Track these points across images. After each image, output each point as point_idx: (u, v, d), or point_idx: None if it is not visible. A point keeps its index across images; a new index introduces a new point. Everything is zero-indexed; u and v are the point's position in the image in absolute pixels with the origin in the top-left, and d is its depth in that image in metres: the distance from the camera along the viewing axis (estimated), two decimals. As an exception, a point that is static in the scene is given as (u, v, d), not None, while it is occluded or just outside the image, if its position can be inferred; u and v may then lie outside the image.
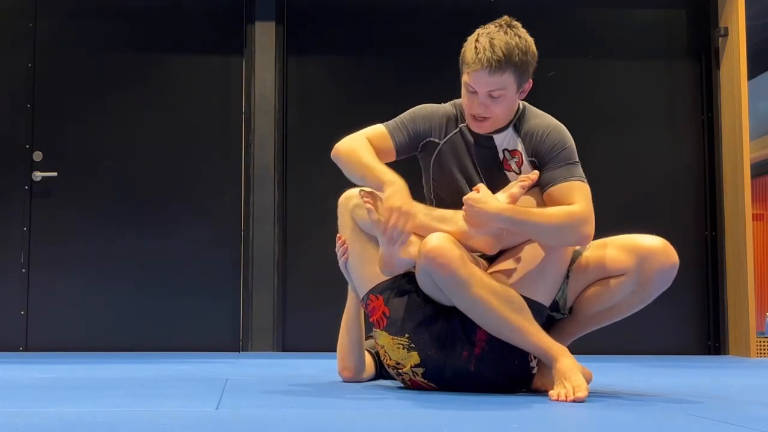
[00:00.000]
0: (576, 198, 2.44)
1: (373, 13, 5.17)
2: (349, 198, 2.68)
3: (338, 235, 2.70)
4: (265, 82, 4.99)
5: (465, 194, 2.46)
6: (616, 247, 2.48)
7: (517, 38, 2.47)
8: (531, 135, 2.54)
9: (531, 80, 2.53)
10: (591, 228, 2.41)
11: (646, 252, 2.43)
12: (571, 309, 2.57)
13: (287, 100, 5.07)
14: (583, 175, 2.50)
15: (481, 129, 2.54)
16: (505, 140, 2.57)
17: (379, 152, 2.55)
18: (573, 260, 2.54)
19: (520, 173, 2.55)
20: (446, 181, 2.60)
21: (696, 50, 5.24)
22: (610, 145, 5.15)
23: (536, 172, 2.46)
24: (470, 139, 2.59)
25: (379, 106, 5.02)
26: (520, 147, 2.55)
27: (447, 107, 2.65)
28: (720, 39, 5.11)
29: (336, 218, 2.76)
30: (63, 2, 5.05)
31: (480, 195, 2.40)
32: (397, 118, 2.65)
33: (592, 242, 2.52)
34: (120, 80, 5.02)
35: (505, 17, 2.53)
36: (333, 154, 2.63)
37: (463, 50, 2.52)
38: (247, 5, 5.06)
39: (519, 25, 2.53)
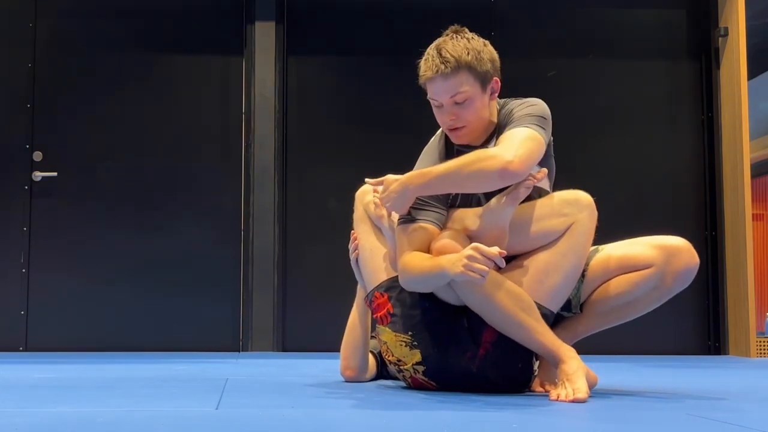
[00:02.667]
0: (504, 143, 2.37)
1: (373, 13, 5.17)
2: (365, 192, 2.70)
3: (352, 231, 2.71)
4: (265, 82, 4.99)
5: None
6: (641, 244, 2.51)
7: (465, 41, 2.46)
8: (509, 119, 2.51)
9: (498, 79, 2.49)
10: (502, 161, 2.30)
11: (674, 249, 2.46)
12: (581, 307, 2.57)
13: (287, 100, 5.07)
14: (535, 125, 2.40)
15: (460, 139, 2.50)
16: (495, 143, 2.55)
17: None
18: (590, 258, 2.54)
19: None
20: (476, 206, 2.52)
21: (696, 50, 5.24)
22: (610, 145, 5.15)
23: (543, 170, 2.44)
24: None
25: (379, 106, 5.06)
26: None
27: (434, 146, 2.58)
28: (720, 39, 5.11)
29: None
30: (63, 2, 5.05)
31: (383, 185, 2.45)
32: (418, 202, 2.47)
33: (610, 243, 2.55)
34: (120, 80, 5.02)
35: (452, 27, 2.51)
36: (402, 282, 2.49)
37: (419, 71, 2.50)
38: (247, 5, 5.06)
39: (466, 30, 2.50)
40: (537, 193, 2.50)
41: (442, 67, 2.41)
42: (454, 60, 2.41)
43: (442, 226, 2.47)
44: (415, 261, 2.40)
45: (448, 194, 2.51)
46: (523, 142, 2.35)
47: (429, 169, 2.42)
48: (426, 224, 2.45)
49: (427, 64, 2.44)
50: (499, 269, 2.49)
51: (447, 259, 2.30)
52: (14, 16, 5.00)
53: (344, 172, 4.79)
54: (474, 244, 2.25)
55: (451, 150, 2.56)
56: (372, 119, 5.08)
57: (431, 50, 2.46)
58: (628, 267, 2.50)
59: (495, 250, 2.23)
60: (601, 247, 2.57)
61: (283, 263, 4.96)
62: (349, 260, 2.73)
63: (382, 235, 2.65)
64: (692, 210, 5.16)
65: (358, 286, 2.76)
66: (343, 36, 5.15)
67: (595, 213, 2.48)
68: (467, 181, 2.37)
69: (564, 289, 2.47)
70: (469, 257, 2.22)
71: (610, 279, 2.53)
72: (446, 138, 2.58)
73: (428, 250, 2.42)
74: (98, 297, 4.85)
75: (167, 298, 4.90)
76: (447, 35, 2.49)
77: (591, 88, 5.22)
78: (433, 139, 2.64)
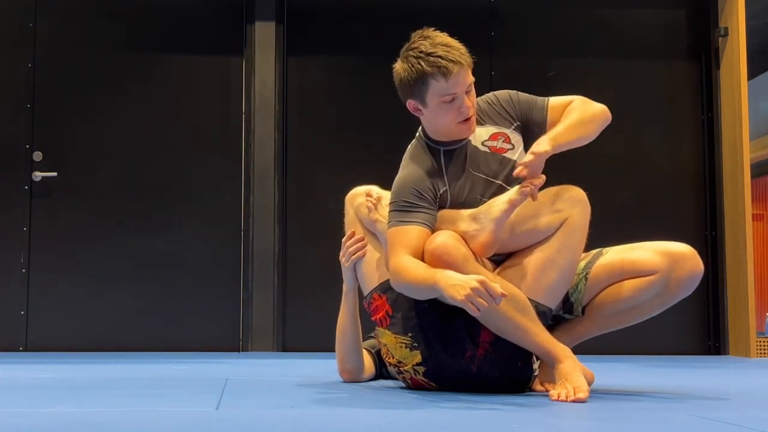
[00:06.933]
0: (569, 99, 2.60)
1: (373, 13, 5.17)
2: (356, 195, 2.71)
3: (352, 230, 2.69)
4: (265, 82, 4.99)
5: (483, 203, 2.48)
6: (646, 250, 2.50)
7: (446, 36, 2.48)
8: (489, 111, 2.58)
9: None
10: (599, 104, 2.62)
11: (678, 256, 2.46)
12: (583, 310, 2.57)
13: (287, 100, 5.06)
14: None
15: (471, 129, 2.52)
16: (475, 136, 2.56)
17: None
18: (594, 261, 2.54)
19: (513, 147, 2.56)
20: (468, 204, 2.52)
21: (696, 50, 5.24)
22: (610, 145, 5.13)
23: (542, 177, 2.40)
24: (453, 157, 2.56)
25: (379, 106, 5.05)
26: (493, 129, 2.57)
27: (420, 151, 2.58)
28: (720, 39, 5.11)
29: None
30: (63, 2, 5.05)
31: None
32: (408, 204, 2.48)
33: (614, 247, 2.56)
34: (120, 80, 5.02)
35: (417, 32, 2.50)
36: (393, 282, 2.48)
37: (408, 79, 2.47)
38: (247, 5, 5.06)
39: (430, 29, 2.51)
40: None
41: (465, 57, 2.43)
42: (465, 50, 2.45)
43: (433, 228, 2.47)
44: (410, 267, 2.37)
45: (436, 195, 2.51)
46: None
47: (550, 131, 2.46)
48: (418, 226, 2.44)
49: (445, 60, 2.40)
50: (495, 268, 2.49)
51: (444, 276, 2.26)
52: (14, 16, 4.99)
53: (344, 172, 4.78)
54: (481, 278, 2.20)
55: (437, 153, 2.57)
56: (372, 119, 5.08)
57: (435, 49, 2.42)
58: (632, 272, 2.50)
59: (499, 289, 2.19)
60: (605, 249, 2.57)
61: (283, 263, 4.96)
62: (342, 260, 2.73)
63: (375, 238, 2.65)
64: (692, 210, 5.16)
65: (344, 291, 2.74)
66: (343, 36, 5.15)
67: (588, 207, 2.48)
68: (588, 127, 2.53)
69: (561, 286, 2.47)
70: (475, 290, 2.17)
71: (613, 283, 2.53)
72: (426, 143, 2.59)
73: (421, 252, 2.41)
74: (98, 297, 4.85)
75: (167, 297, 4.90)
76: (424, 37, 2.47)
77: (591, 88, 5.17)
78: (411, 147, 2.62)
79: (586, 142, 2.54)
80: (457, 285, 2.21)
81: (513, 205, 2.39)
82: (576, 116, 2.51)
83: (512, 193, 2.41)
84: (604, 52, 5.22)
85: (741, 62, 4.94)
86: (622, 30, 5.28)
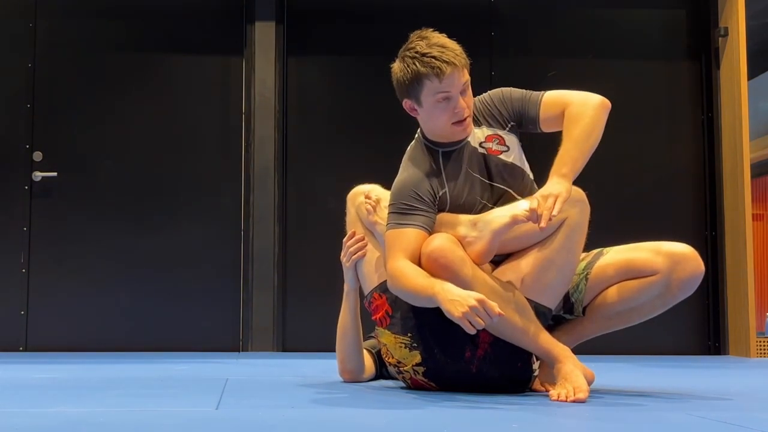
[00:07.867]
0: (563, 99, 2.53)
1: (373, 13, 5.17)
2: (357, 194, 2.71)
3: (353, 230, 2.69)
4: (265, 82, 4.98)
5: (482, 205, 2.49)
6: (647, 250, 2.50)
7: (443, 37, 2.49)
8: (484, 111, 2.57)
9: None
10: (595, 97, 2.54)
11: (679, 256, 2.46)
12: (584, 310, 2.57)
13: (287, 100, 5.06)
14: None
15: (466, 130, 2.52)
16: (473, 137, 2.56)
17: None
18: (594, 261, 2.54)
19: (508, 148, 2.56)
20: (468, 206, 2.53)
21: (696, 50, 5.24)
22: (610, 145, 5.09)
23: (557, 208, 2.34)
24: (452, 158, 2.57)
25: (378, 106, 5.05)
26: (488, 131, 2.56)
27: (419, 153, 2.59)
28: (720, 39, 5.11)
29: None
30: (63, 2, 5.05)
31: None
32: (407, 207, 2.47)
33: (615, 247, 2.55)
34: (120, 80, 5.02)
35: (416, 32, 2.51)
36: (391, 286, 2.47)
37: (404, 79, 2.48)
38: (247, 5, 5.06)
39: (429, 29, 2.52)
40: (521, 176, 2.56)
41: (460, 58, 2.44)
42: (460, 51, 2.45)
43: (432, 230, 2.46)
44: (408, 274, 2.37)
45: (436, 198, 2.51)
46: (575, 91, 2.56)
47: (561, 154, 2.42)
48: (416, 229, 2.44)
49: (440, 60, 2.41)
50: (493, 268, 2.49)
51: (443, 289, 2.26)
52: (14, 16, 4.99)
53: (344, 172, 4.77)
54: (480, 297, 2.20)
55: (435, 154, 2.57)
56: (372, 119, 5.08)
57: (430, 49, 2.43)
58: (633, 273, 2.50)
59: (497, 308, 2.20)
60: (606, 249, 2.57)
61: (283, 263, 4.96)
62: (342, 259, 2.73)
63: (375, 238, 2.65)
64: (692, 210, 5.16)
65: (345, 292, 2.75)
66: (343, 36, 5.15)
67: (588, 207, 2.48)
68: (595, 133, 2.48)
69: (560, 286, 2.47)
70: (473, 308, 2.18)
71: (614, 284, 2.53)
72: (425, 144, 2.59)
73: (419, 255, 2.41)
74: (98, 297, 4.85)
75: (167, 297, 4.89)
76: (421, 38, 2.47)
77: (591, 88, 5.16)
78: (411, 149, 2.63)
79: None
80: (455, 301, 2.21)
81: (515, 221, 2.37)
82: (579, 129, 2.46)
83: (518, 209, 2.39)
84: (604, 52, 5.22)
85: (741, 62, 4.94)
86: (622, 30, 5.28)
